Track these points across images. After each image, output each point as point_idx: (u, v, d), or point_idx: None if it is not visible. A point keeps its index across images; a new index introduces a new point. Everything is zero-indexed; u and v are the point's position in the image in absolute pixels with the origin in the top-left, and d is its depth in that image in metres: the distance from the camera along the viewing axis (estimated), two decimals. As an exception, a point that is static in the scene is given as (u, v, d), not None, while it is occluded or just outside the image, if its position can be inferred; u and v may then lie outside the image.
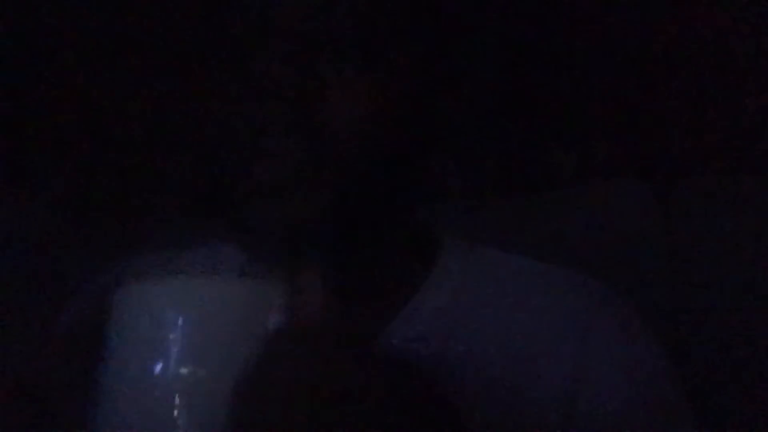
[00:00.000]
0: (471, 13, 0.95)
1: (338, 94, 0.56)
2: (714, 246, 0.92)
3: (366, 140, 0.57)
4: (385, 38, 0.59)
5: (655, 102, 1.02)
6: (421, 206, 0.66)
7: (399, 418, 0.46)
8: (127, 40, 1.04)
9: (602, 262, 0.90)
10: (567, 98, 1.03)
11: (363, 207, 0.59)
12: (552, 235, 0.93)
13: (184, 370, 0.46)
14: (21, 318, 0.70)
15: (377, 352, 0.56)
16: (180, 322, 0.47)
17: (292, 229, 0.56)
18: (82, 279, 0.71)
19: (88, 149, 1.06)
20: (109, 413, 0.47)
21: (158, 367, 0.46)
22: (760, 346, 0.86)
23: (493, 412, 0.55)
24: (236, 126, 0.57)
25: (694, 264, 0.92)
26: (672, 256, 0.93)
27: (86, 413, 0.47)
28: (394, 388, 0.47)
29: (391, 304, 0.61)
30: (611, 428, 0.54)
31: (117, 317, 0.49)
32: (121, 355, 0.48)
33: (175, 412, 0.45)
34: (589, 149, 1.04)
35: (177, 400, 0.45)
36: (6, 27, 1.05)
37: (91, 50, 1.05)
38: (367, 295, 0.61)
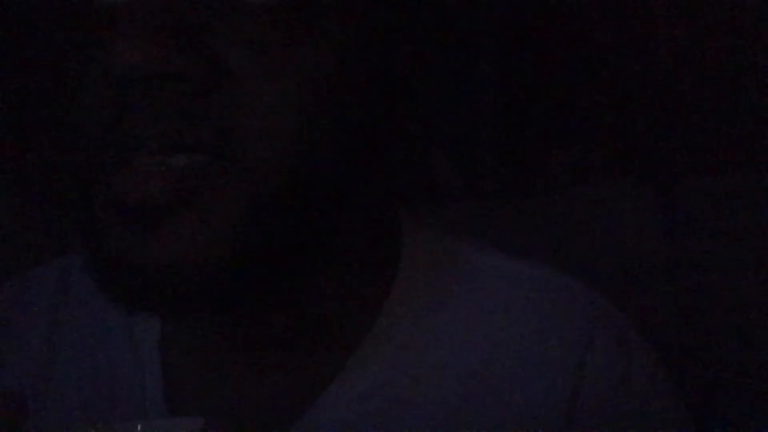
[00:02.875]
0: (470, 10, 0.95)
1: (243, 83, 0.40)
2: (714, 246, 0.92)
3: (290, 148, 0.41)
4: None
5: (655, 102, 1.02)
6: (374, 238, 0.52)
7: None
8: None
9: (602, 262, 0.90)
10: (567, 98, 1.03)
11: (286, 246, 0.42)
12: (552, 236, 0.92)
13: None
14: None
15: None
16: None
17: (173, 273, 0.40)
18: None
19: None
20: None
21: None
22: (762, 347, 0.85)
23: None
24: (93, 132, 0.41)
25: (694, 264, 0.92)
26: (672, 256, 0.93)
27: None
28: None
29: (340, 350, 0.50)
30: None
31: None
32: None
33: None
34: (589, 149, 1.04)
35: None
36: None
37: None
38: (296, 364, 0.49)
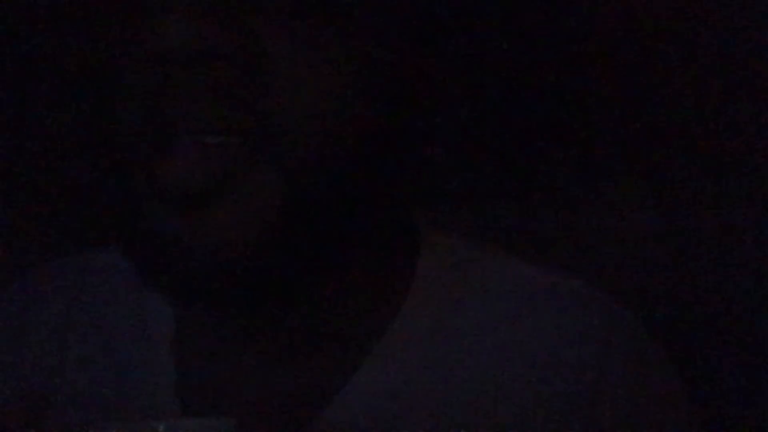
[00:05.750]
0: (469, 10, 0.95)
1: (281, 66, 0.41)
2: (714, 246, 0.91)
3: (326, 134, 0.42)
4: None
5: (655, 102, 1.02)
6: (397, 228, 0.52)
7: None
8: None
9: (602, 262, 0.90)
10: (567, 98, 1.03)
11: (314, 227, 0.42)
12: (551, 236, 0.92)
13: None
14: None
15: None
16: None
17: (214, 257, 0.41)
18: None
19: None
20: None
21: None
22: (763, 347, 0.85)
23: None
24: (132, 115, 0.42)
25: (693, 264, 0.92)
26: (672, 257, 0.93)
27: None
28: None
29: (362, 348, 0.51)
30: None
31: None
32: None
33: None
34: (589, 149, 1.04)
35: None
36: None
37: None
38: (325, 352, 0.50)
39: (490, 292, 0.52)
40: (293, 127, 0.41)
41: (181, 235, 0.41)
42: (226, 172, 0.41)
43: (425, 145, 0.51)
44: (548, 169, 1.02)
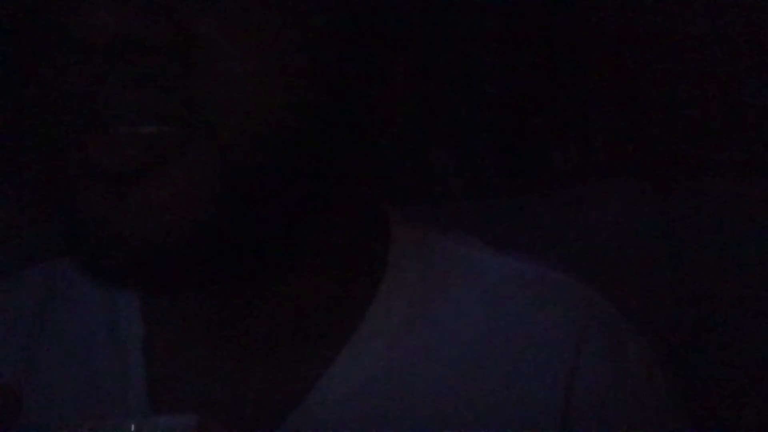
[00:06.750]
0: (470, 9, 0.95)
1: (213, 54, 0.39)
2: (713, 246, 0.92)
3: (261, 121, 0.40)
4: None
5: (655, 102, 1.02)
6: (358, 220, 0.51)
7: None
8: None
9: (601, 261, 0.90)
10: (567, 98, 1.03)
11: (261, 217, 0.41)
12: (551, 235, 0.92)
13: None
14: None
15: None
16: None
17: (141, 239, 0.40)
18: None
19: None
20: None
21: None
22: (761, 348, 0.85)
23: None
24: (65, 106, 0.41)
25: (693, 264, 0.92)
26: (671, 256, 0.93)
27: None
28: None
29: (330, 342, 0.49)
30: None
31: None
32: None
33: None
34: (589, 149, 1.04)
35: None
36: None
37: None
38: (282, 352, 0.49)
39: (463, 283, 0.52)
40: (225, 114, 0.40)
41: (112, 219, 0.40)
42: (157, 157, 0.40)
43: (381, 135, 0.49)
44: (533, 165, 1.02)
